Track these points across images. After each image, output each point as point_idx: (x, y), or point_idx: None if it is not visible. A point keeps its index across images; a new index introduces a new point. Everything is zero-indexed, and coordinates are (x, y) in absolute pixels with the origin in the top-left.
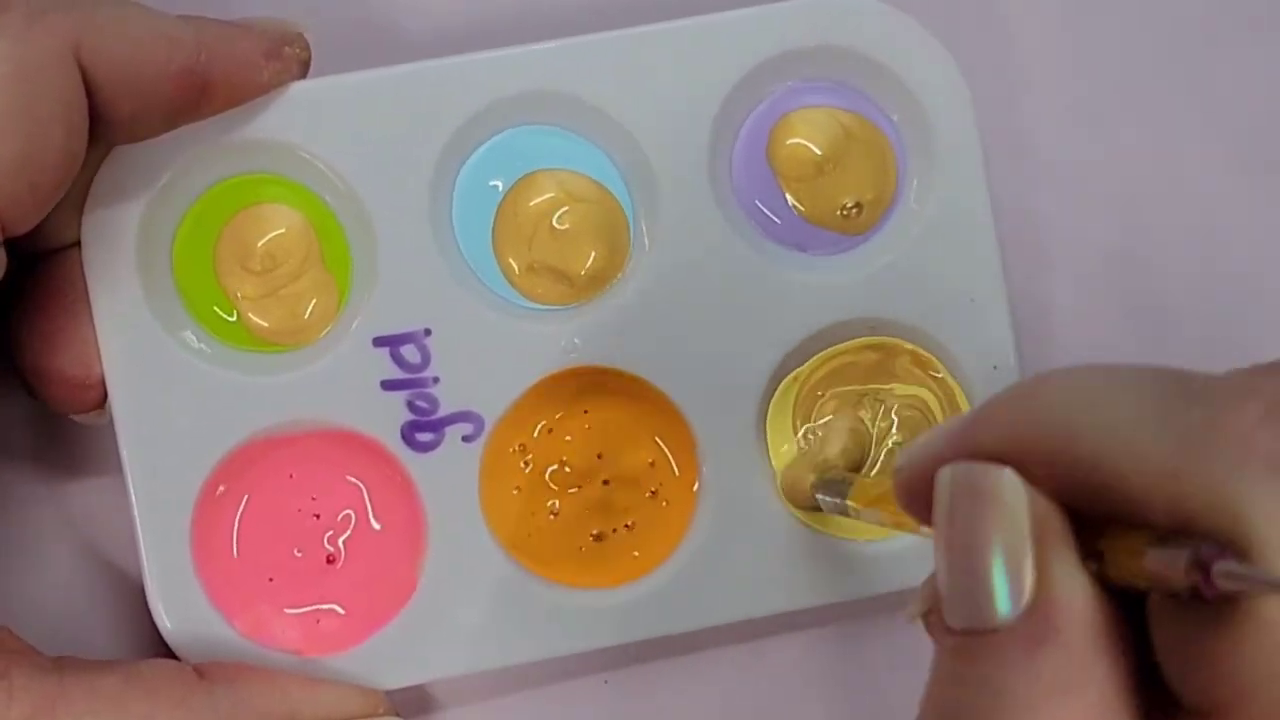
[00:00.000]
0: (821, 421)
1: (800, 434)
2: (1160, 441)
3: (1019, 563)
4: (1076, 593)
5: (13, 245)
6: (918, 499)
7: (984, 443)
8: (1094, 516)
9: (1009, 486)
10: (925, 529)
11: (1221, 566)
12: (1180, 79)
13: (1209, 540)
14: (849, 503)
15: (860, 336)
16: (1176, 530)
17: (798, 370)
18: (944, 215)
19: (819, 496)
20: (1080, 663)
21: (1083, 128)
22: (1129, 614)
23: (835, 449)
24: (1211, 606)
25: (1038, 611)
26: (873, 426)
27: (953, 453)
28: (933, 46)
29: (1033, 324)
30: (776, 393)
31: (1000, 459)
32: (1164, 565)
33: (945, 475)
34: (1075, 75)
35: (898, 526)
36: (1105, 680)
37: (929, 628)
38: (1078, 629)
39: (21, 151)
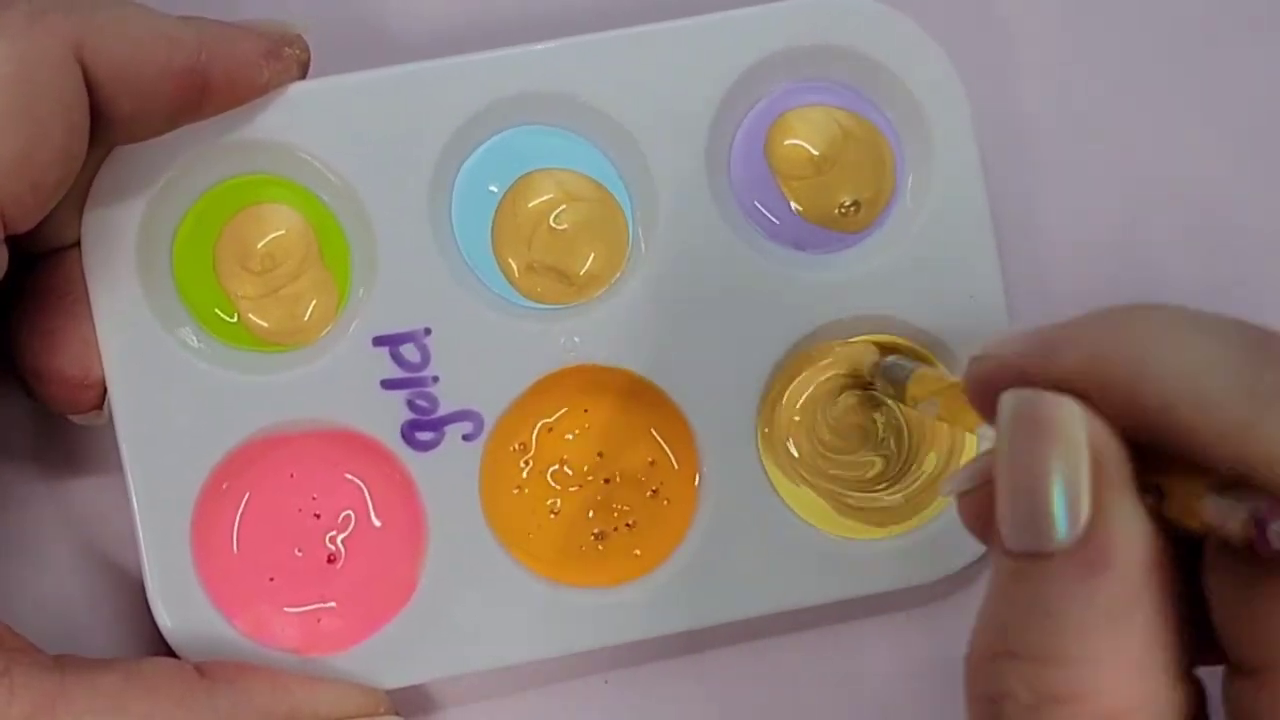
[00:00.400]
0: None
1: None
2: (1233, 394)
3: (1077, 492)
4: (1132, 525)
5: (13, 245)
6: (985, 398)
7: (1061, 363)
8: (1159, 452)
9: (1071, 418)
10: (982, 427)
11: (1278, 526)
12: (1180, 79)
13: (1269, 497)
14: (908, 388)
15: (860, 335)
16: (1237, 483)
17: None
18: (942, 213)
19: (883, 371)
20: (1132, 593)
21: (1082, 127)
22: (1185, 552)
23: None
24: (1264, 563)
25: (1093, 540)
26: (882, 429)
27: (1030, 365)
28: (929, 46)
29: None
30: (775, 391)
31: (1072, 382)
32: (1221, 514)
33: (1008, 401)
34: (1075, 76)
35: (952, 420)
36: (1155, 612)
37: (961, 512)
38: (1132, 560)
39: (22, 151)
